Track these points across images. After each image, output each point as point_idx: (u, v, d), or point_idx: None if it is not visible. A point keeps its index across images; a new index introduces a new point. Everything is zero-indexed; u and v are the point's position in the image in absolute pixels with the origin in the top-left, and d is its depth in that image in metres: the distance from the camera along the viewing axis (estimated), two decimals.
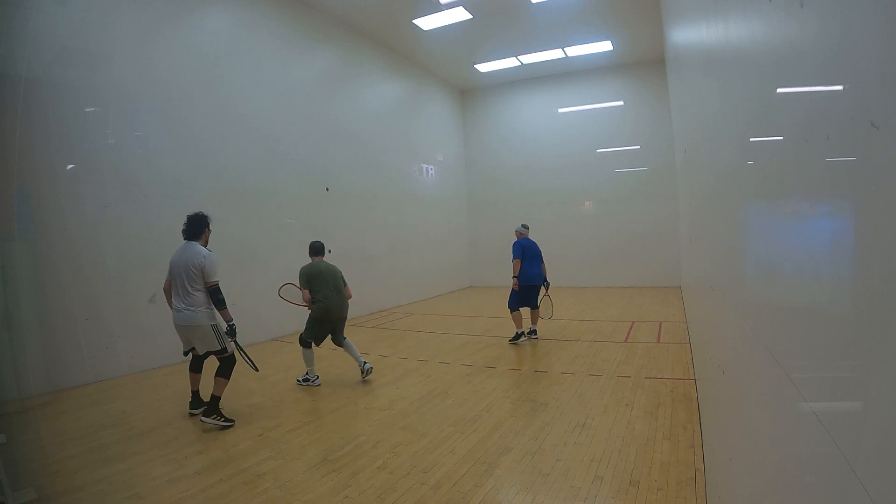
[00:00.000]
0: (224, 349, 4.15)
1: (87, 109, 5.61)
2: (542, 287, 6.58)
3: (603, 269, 12.60)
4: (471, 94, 14.45)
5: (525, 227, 6.73)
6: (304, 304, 5.11)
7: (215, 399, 4.07)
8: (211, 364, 4.30)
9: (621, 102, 12.50)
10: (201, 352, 4.19)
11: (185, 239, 4.20)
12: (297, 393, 4.90)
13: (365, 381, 5.10)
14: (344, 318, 5.23)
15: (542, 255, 6.63)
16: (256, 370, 4.45)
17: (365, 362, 5.16)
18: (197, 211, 4.32)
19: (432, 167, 12.92)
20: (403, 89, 11.83)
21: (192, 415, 4.30)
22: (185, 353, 4.31)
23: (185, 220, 4.25)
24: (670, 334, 6.78)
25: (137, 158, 5.99)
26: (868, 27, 0.55)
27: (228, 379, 4.20)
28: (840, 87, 0.65)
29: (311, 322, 5.08)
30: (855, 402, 0.66)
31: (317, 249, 5.31)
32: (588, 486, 2.80)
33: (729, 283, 1.85)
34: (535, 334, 6.78)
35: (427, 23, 9.62)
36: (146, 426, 4.08)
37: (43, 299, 5.04)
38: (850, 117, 0.60)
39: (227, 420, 4.01)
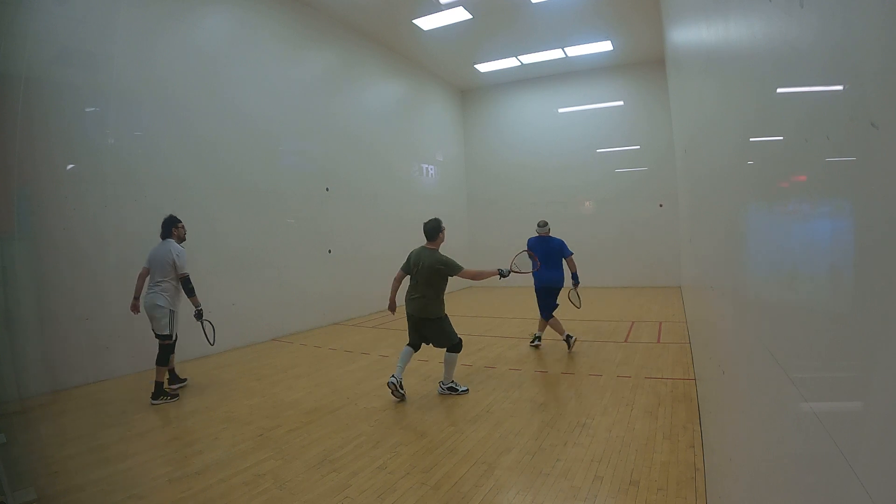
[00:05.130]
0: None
1: (87, 109, 5.61)
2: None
3: (603, 269, 12.59)
4: (471, 94, 14.44)
5: (539, 224, 6.14)
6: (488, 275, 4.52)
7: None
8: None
9: (621, 102, 12.50)
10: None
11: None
12: (296, 393, 4.90)
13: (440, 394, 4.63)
14: (425, 319, 4.46)
15: (554, 253, 5.90)
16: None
17: (450, 387, 4.61)
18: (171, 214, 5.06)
19: (432, 167, 12.92)
20: (403, 89, 11.83)
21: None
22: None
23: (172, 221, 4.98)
24: (670, 334, 6.78)
25: (138, 158, 5.98)
26: (868, 27, 0.55)
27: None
28: (840, 87, 0.65)
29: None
30: (855, 402, 0.66)
31: (426, 232, 4.56)
32: (588, 486, 2.80)
33: (729, 283, 1.85)
34: (538, 341, 6.31)
35: (427, 23, 9.62)
36: (146, 426, 4.08)
37: (43, 299, 5.04)
38: (850, 117, 0.60)
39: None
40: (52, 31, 5.23)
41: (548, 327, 6.18)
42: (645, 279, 12.06)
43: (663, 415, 3.82)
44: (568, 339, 6.01)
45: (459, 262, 4.53)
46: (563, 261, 5.95)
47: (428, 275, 4.42)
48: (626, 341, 6.48)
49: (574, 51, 11.40)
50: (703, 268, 3.32)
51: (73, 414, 4.45)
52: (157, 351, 4.75)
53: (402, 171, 11.57)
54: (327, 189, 9.08)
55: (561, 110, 13.16)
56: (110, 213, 5.66)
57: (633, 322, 7.74)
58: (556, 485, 2.85)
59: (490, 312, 9.23)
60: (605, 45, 11.11)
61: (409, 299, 4.59)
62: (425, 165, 12.61)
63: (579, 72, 12.69)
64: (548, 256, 5.84)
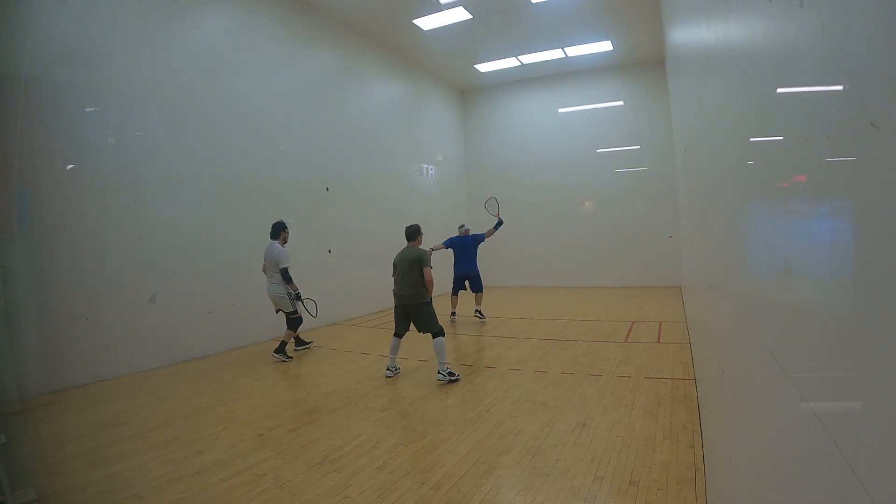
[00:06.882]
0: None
1: (87, 109, 5.61)
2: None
3: (603, 269, 12.60)
4: (471, 94, 14.44)
5: (459, 227, 8.41)
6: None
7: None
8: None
9: (621, 102, 12.49)
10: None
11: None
12: (297, 393, 4.90)
13: (439, 382, 4.93)
14: (411, 306, 5.10)
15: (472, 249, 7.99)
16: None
17: (449, 372, 4.97)
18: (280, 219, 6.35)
19: (432, 167, 12.92)
20: (403, 89, 11.83)
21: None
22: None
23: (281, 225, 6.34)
24: (670, 334, 6.77)
25: (138, 158, 5.98)
26: (868, 27, 0.55)
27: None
28: (840, 87, 0.65)
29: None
30: (855, 402, 0.66)
31: (409, 234, 5.37)
32: (588, 486, 2.80)
33: (729, 283, 1.85)
34: (454, 316, 8.44)
35: (427, 23, 9.61)
36: (146, 426, 4.08)
37: (43, 299, 5.04)
38: (850, 117, 0.60)
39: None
40: (52, 31, 5.22)
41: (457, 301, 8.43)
42: (645, 279, 12.05)
43: (663, 415, 3.82)
44: (478, 312, 8.41)
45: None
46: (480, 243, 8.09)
47: (409, 264, 5.13)
48: (626, 341, 6.48)
49: (574, 51, 11.40)
50: (703, 268, 3.32)
51: (73, 414, 4.45)
52: (286, 322, 6.30)
53: (402, 171, 11.57)
54: (327, 189, 9.08)
55: (561, 110, 13.15)
56: (110, 213, 5.66)
57: (633, 322, 7.74)
58: (556, 485, 2.85)
59: (490, 312, 9.23)
60: (605, 45, 11.11)
61: (397, 293, 5.23)
62: (425, 165, 12.60)
63: (579, 72, 12.69)
64: (464, 251, 7.91)
